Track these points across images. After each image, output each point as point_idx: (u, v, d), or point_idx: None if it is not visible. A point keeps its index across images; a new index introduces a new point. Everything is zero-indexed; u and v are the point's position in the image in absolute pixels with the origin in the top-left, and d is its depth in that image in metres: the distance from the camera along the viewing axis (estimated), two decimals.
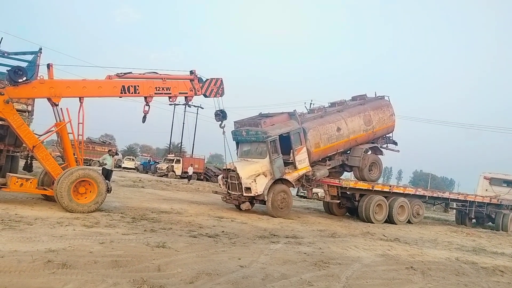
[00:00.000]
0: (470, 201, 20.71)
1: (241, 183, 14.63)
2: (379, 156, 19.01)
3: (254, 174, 14.69)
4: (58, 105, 11.09)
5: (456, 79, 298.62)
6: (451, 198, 20.47)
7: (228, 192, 15.54)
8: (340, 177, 18.69)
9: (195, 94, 13.25)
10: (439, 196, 20.13)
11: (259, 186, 14.55)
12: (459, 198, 20.78)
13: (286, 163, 15.38)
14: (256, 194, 14.60)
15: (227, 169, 15.55)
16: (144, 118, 12.68)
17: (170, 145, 59.27)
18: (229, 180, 15.36)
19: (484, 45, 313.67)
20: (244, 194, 14.63)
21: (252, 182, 14.45)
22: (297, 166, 15.53)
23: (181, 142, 56.36)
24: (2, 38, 14.13)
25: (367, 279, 6.86)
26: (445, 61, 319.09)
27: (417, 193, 19.02)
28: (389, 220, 17.33)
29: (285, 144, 15.36)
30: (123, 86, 11.82)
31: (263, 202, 14.99)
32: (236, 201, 15.40)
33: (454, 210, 23.34)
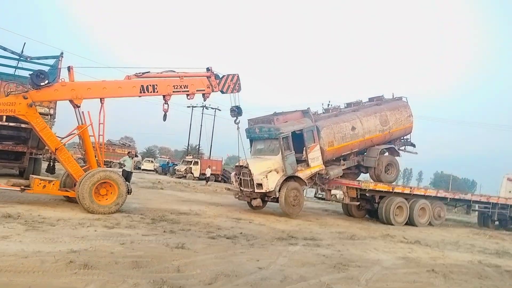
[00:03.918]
0: (493, 203, 20.20)
1: (252, 180, 14.59)
2: (395, 157, 18.68)
3: (266, 170, 14.63)
4: (80, 106, 11.30)
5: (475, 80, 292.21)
6: (473, 200, 20.02)
7: (241, 189, 15.51)
8: (359, 179, 18.46)
9: (212, 91, 13.32)
10: (461, 198, 19.68)
11: (271, 183, 14.48)
12: (482, 200, 20.30)
13: (299, 161, 15.28)
14: (268, 191, 14.51)
15: (240, 165, 15.48)
16: (165, 116, 12.80)
17: (188, 147, 59.74)
18: (241, 176, 15.33)
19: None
20: (256, 191, 14.58)
21: (264, 178, 14.38)
22: (309, 163, 15.42)
23: (199, 144, 56.84)
24: (25, 43, 14.55)
25: (387, 282, 6.77)
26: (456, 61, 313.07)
27: (439, 195, 18.64)
28: (410, 222, 17.03)
29: (299, 142, 15.28)
30: (142, 86, 11.97)
31: (275, 199, 14.90)
32: (248, 198, 15.35)
33: (476, 212, 22.82)
